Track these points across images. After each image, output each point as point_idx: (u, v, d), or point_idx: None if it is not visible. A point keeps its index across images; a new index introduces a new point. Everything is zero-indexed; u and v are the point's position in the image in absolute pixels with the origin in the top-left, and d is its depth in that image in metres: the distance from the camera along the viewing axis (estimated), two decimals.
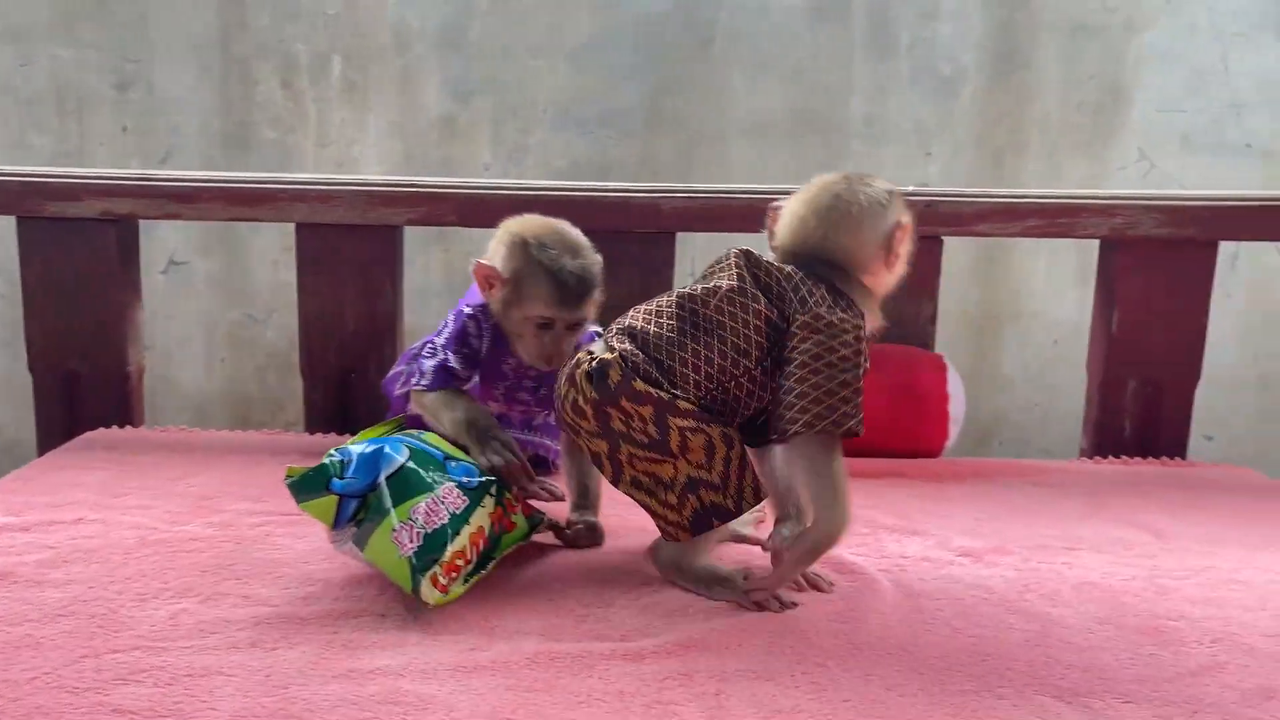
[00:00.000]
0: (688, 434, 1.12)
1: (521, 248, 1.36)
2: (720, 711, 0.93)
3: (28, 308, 1.86)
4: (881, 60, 2.69)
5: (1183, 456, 1.76)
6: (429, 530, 1.11)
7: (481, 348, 1.42)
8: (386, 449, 1.14)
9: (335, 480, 1.10)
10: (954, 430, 1.70)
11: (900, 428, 1.67)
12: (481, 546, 1.17)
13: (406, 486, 1.12)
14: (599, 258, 1.40)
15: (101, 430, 1.70)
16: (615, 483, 1.19)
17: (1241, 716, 0.96)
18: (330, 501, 1.11)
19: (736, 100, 2.69)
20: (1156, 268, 1.71)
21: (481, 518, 1.18)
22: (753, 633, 1.09)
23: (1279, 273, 2.72)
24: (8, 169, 1.84)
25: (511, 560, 1.25)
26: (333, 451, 1.15)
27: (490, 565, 1.20)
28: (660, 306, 1.20)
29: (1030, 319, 2.80)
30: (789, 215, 1.22)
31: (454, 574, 1.13)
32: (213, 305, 2.82)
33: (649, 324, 1.18)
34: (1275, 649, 1.09)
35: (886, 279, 1.22)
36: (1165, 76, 2.70)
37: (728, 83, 2.70)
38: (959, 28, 2.67)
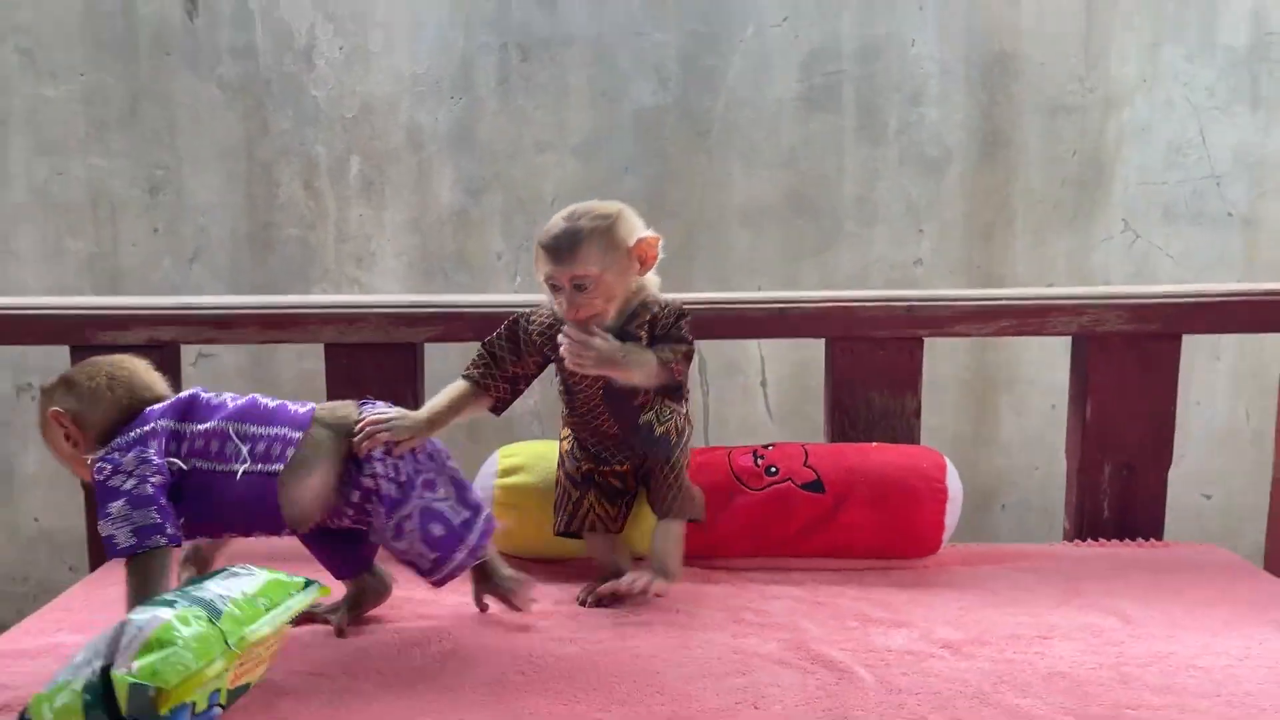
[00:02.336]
0: None
1: None
2: None
3: None
4: (871, 145, 2.82)
5: (1159, 537, 1.86)
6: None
7: None
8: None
9: None
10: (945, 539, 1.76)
11: (891, 553, 1.74)
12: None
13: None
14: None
15: None
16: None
17: None
18: None
19: (734, 187, 2.82)
20: (1125, 360, 1.81)
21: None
22: None
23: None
24: (62, 302, 1.99)
25: None
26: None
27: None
28: None
29: (1026, 385, 2.90)
30: None
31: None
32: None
33: None
34: None
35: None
36: (1145, 151, 2.81)
37: (725, 171, 2.83)
38: (944, 111, 2.80)
